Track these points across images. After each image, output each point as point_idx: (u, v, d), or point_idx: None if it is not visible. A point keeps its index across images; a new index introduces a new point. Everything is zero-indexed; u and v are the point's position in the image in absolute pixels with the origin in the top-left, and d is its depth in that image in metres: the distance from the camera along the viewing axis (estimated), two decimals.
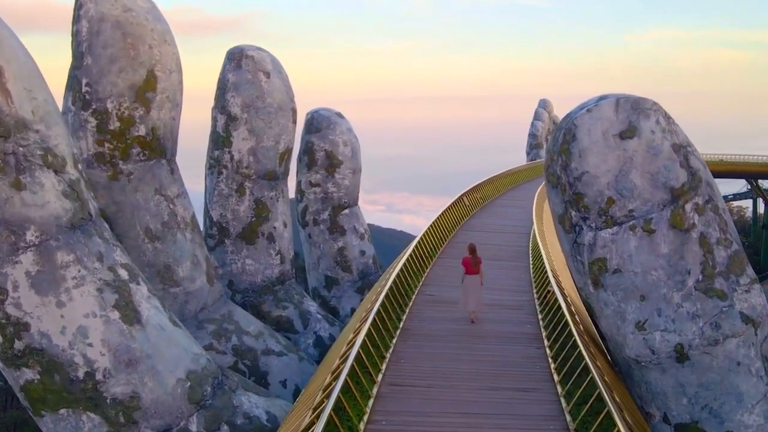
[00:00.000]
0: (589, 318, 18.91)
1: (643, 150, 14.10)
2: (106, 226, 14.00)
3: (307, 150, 27.31)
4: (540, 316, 18.35)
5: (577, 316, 16.70)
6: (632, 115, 14.19)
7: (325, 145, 27.08)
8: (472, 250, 18.24)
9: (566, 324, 15.68)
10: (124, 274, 13.33)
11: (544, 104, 79.50)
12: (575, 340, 14.35)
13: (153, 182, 17.94)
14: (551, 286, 18.88)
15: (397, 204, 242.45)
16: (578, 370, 13.40)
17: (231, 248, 22.65)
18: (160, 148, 18.11)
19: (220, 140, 22.46)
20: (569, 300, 18.10)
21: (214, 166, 22.71)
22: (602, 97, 14.55)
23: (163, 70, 17.81)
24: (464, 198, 35.52)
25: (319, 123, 27.28)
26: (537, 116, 77.66)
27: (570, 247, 15.00)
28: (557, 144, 14.73)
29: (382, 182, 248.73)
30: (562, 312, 16.36)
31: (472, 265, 17.87)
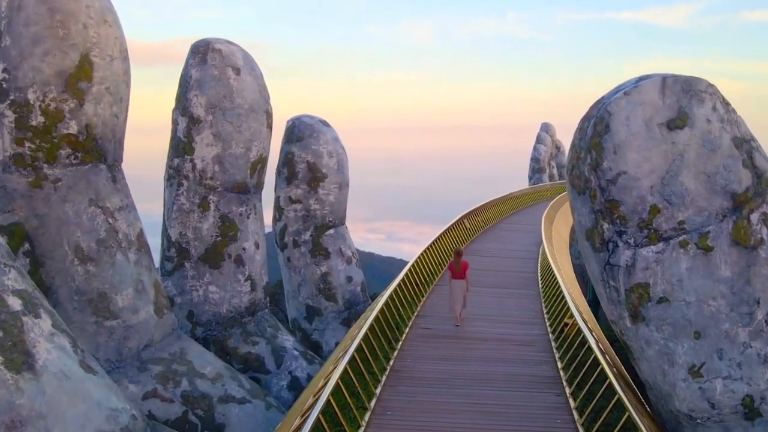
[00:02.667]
0: (617, 359, 15.93)
1: (696, 144, 11.33)
2: (1, 242, 10.80)
3: (287, 161, 24.39)
4: (557, 355, 15.80)
5: (607, 356, 13.73)
6: (683, 99, 11.28)
7: (308, 156, 24.21)
8: (458, 254, 18.47)
9: (594, 365, 13.07)
10: (15, 304, 10.11)
11: (546, 128, 77.41)
12: (611, 386, 11.63)
13: (87, 191, 14.82)
14: (572, 318, 16.08)
15: (398, 232, 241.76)
16: (617, 429, 10.66)
17: (192, 273, 19.42)
18: (97, 150, 15.01)
19: (180, 147, 19.38)
20: (595, 335, 15.14)
21: (173, 176, 19.56)
22: (643, 77, 11.56)
23: (102, 55, 14.77)
24: (465, 221, 33.16)
25: (300, 131, 24.37)
26: (539, 140, 75.68)
27: (600, 269, 12.06)
28: (585, 137, 11.69)
29: (382, 211, 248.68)
30: (589, 348, 13.80)
31: (455, 270, 17.97)
